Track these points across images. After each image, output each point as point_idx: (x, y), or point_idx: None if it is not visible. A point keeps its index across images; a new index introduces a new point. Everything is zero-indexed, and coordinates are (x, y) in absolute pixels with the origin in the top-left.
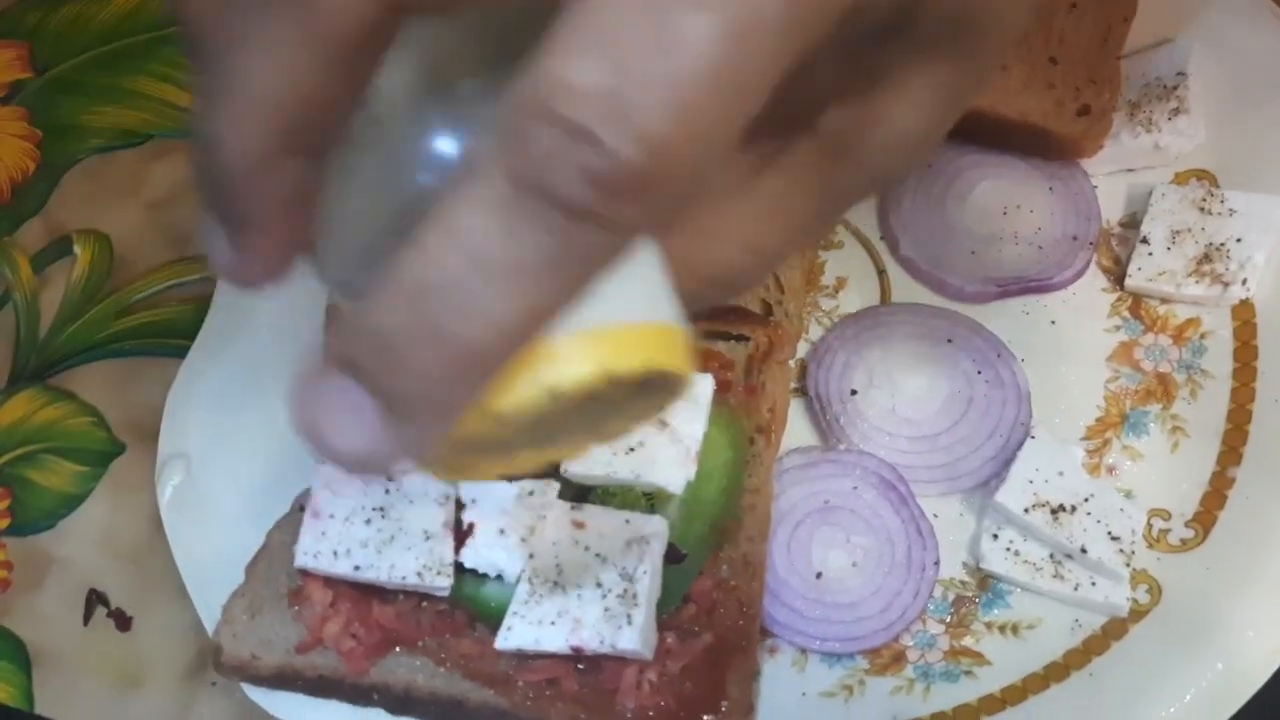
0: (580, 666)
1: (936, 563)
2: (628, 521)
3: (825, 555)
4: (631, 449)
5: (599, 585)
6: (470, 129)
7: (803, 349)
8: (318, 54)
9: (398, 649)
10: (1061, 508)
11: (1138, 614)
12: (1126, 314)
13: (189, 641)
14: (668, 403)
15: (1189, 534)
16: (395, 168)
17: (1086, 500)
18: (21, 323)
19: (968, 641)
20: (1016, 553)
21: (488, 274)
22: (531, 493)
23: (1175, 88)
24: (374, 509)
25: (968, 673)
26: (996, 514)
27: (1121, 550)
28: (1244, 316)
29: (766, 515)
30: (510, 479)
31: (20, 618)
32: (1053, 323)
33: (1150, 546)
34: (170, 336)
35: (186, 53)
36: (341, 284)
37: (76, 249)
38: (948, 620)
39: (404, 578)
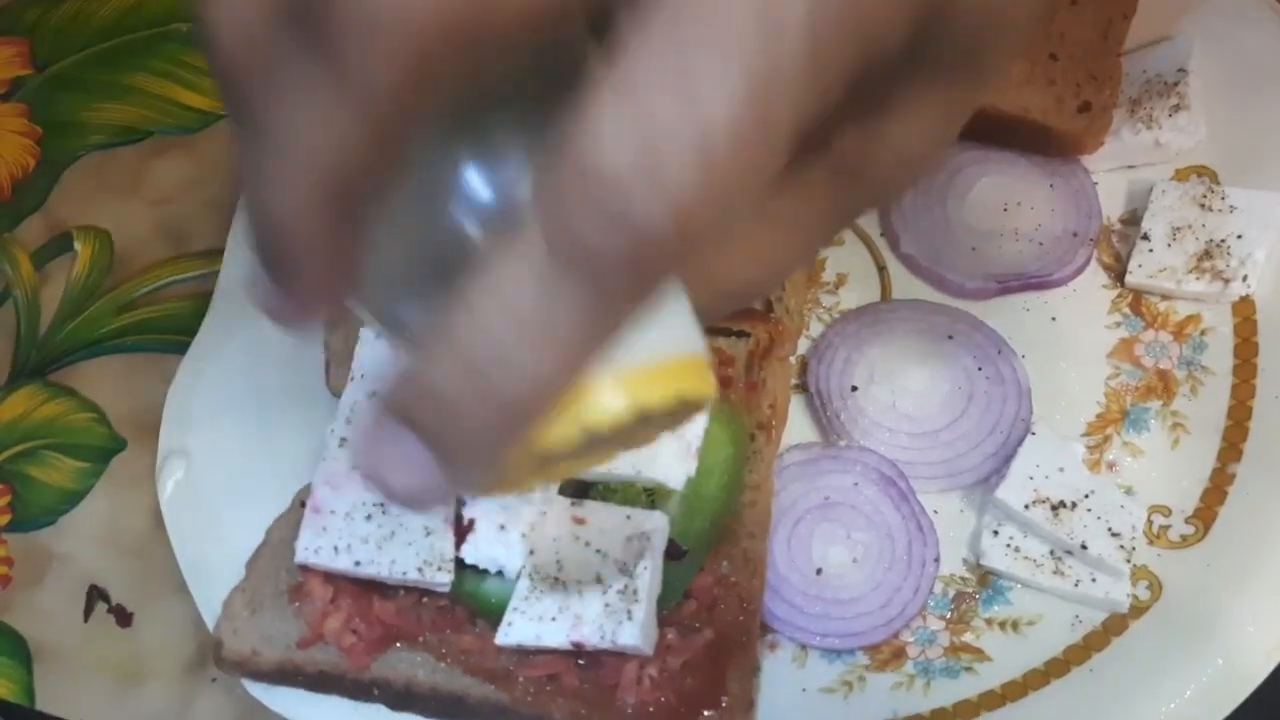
0: (581, 662)
1: (937, 559)
2: (628, 517)
3: (826, 551)
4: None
5: (599, 581)
6: (502, 167)
7: (803, 345)
8: (358, 125)
9: (398, 645)
10: (1062, 504)
11: (1138, 610)
12: (1127, 310)
13: (189, 637)
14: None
15: (1189, 530)
16: (431, 204)
17: (1087, 496)
18: (22, 319)
19: (968, 638)
20: (1017, 549)
21: (531, 337)
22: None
23: (1176, 84)
24: (375, 504)
25: (968, 669)
26: (997, 510)
27: (1122, 546)
28: (1244, 313)
29: (767, 511)
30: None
31: (21, 614)
32: (1053, 319)
33: (1150, 543)
34: (171, 333)
35: (225, 106)
36: (380, 313)
37: (77, 245)
38: (948, 616)
39: (405, 573)
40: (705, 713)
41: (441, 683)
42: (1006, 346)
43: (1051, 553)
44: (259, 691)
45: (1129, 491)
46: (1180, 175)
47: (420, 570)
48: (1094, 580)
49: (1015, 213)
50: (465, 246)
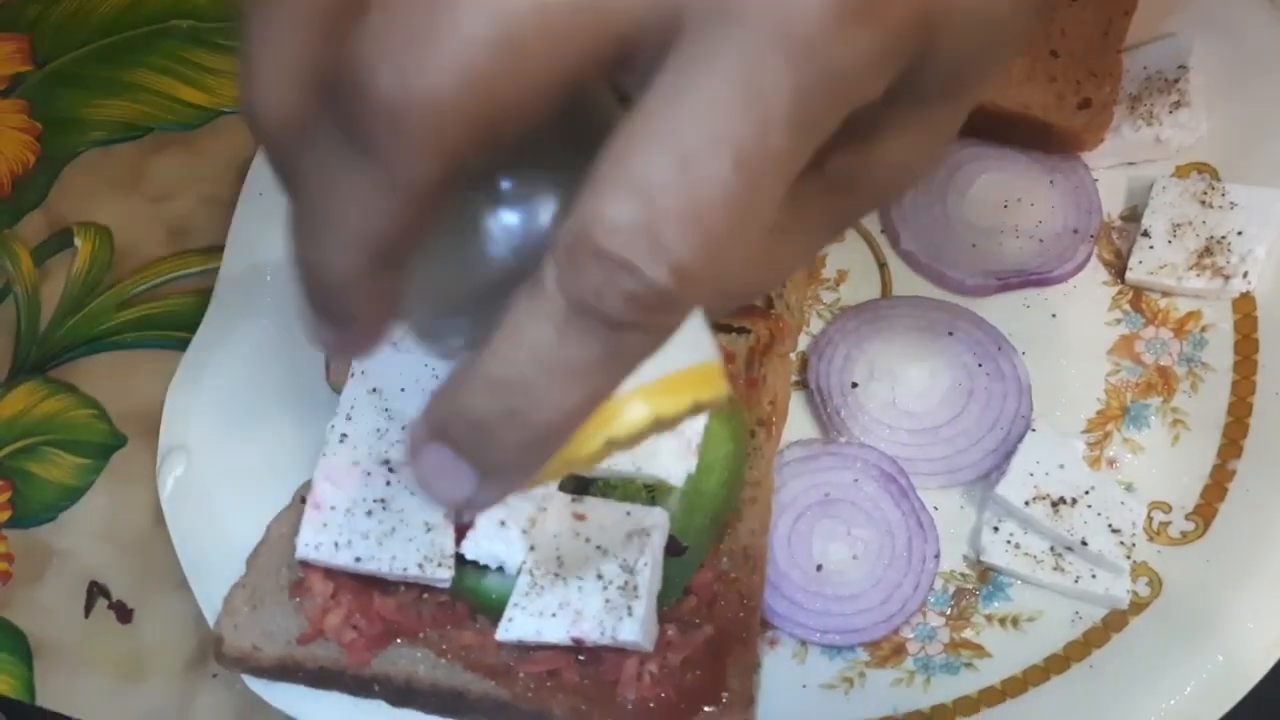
0: (581, 658)
1: (937, 555)
2: (629, 514)
3: (826, 548)
4: None
5: (600, 577)
6: (533, 201)
7: (804, 342)
8: (396, 205)
9: (399, 640)
10: (1062, 500)
11: (1138, 606)
12: (1127, 307)
13: (190, 633)
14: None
15: (1189, 527)
16: (467, 236)
17: (1087, 493)
18: (22, 315)
19: (968, 634)
20: (1017, 545)
21: (552, 374)
22: None
23: (1176, 81)
24: (375, 501)
25: (968, 665)
26: (997, 507)
27: (1122, 543)
28: (1245, 310)
29: (767, 508)
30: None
31: (21, 610)
32: (1053, 316)
33: (1151, 539)
34: (171, 329)
35: (273, 172)
36: (422, 332)
37: (77, 242)
38: (948, 613)
39: (405, 569)
40: (705, 709)
41: (442, 678)
42: (1007, 343)
43: (1052, 549)
44: (260, 687)
45: (1129, 488)
46: (1181, 172)
47: (421, 566)
48: (1094, 576)
49: (1016, 209)
50: (500, 268)
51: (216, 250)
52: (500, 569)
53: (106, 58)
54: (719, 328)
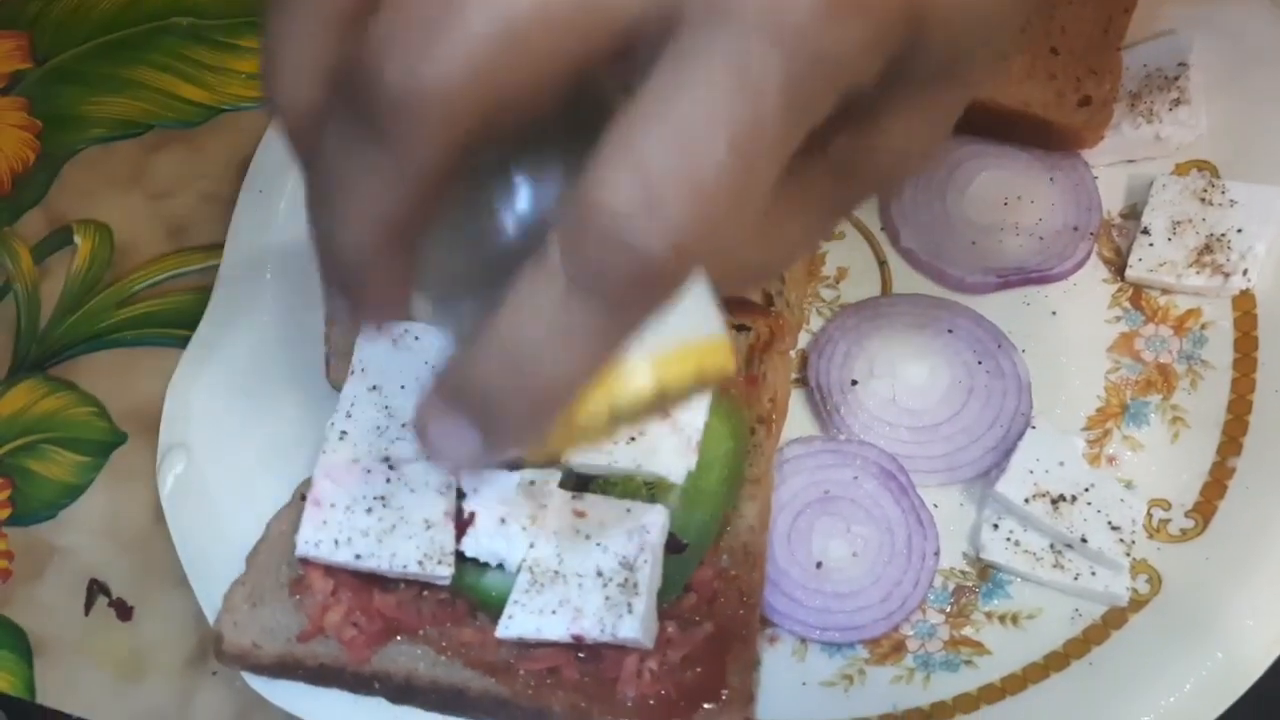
0: (581, 655)
1: (937, 553)
2: (629, 511)
3: (825, 545)
4: (633, 438)
5: (600, 574)
6: (540, 180)
7: (804, 339)
8: (410, 187)
9: (399, 638)
10: (1062, 498)
11: (1137, 604)
12: (1127, 305)
13: (190, 631)
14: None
15: (1189, 524)
16: (478, 213)
17: (1087, 490)
18: (22, 313)
19: (968, 631)
20: (1017, 543)
21: (555, 337)
22: (533, 482)
23: (1176, 78)
24: (375, 498)
25: (968, 662)
26: (997, 504)
27: (1121, 540)
28: (1244, 307)
29: (767, 505)
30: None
31: (21, 607)
32: (1053, 313)
33: (1150, 536)
34: (171, 326)
35: (293, 158)
36: (434, 306)
37: (77, 239)
38: (948, 610)
39: (405, 566)
40: (705, 706)
41: (442, 676)
42: (1006, 341)
43: (1051, 546)
44: (259, 685)
45: (1129, 485)
46: (1180, 169)
47: (421, 564)
48: (1094, 574)
49: (1015, 207)
50: (509, 247)
51: (216, 248)
52: (500, 566)
53: (106, 55)
54: None
